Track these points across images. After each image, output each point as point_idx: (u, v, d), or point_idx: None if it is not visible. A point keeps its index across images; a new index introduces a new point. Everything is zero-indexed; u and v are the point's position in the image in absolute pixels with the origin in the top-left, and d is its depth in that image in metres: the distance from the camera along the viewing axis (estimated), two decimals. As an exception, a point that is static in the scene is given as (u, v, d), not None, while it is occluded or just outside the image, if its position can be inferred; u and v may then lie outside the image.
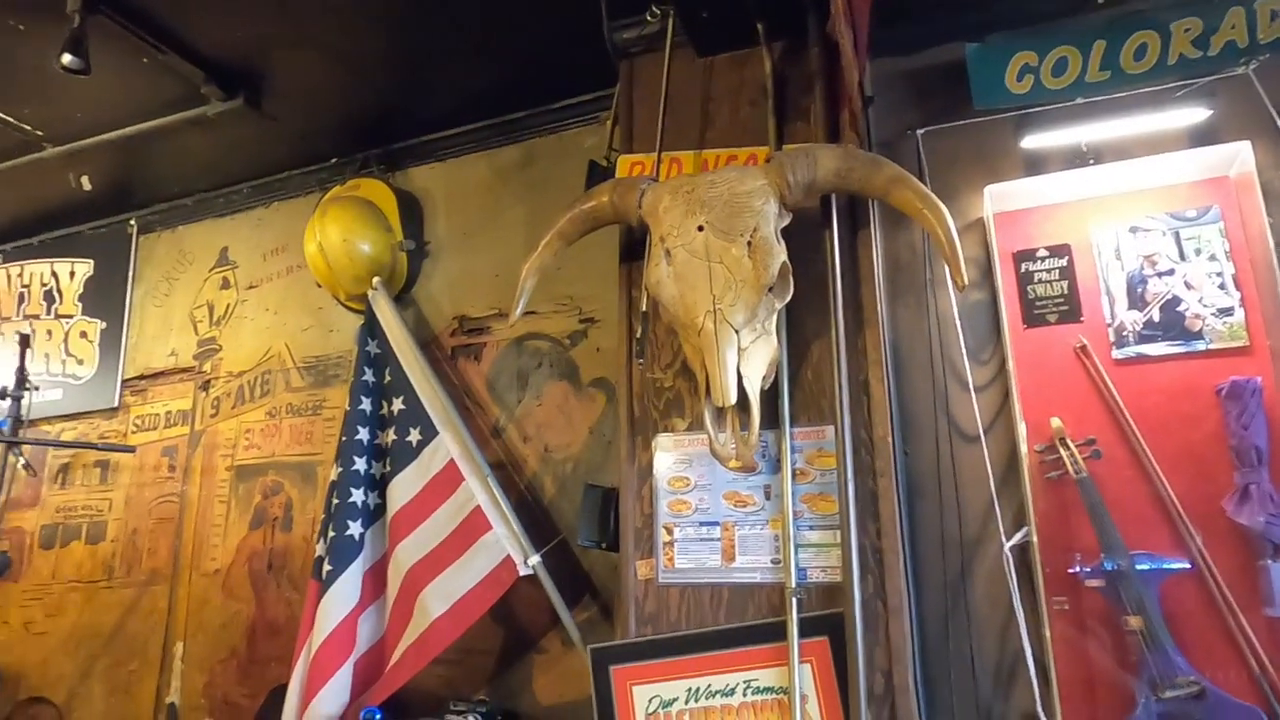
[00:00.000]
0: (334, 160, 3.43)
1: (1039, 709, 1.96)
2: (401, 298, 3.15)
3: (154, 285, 3.82)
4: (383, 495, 2.75)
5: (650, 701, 1.89)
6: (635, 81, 2.41)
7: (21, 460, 3.36)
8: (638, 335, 2.09)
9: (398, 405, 2.78)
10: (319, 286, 3.23)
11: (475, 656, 2.70)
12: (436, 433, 2.68)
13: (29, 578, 3.68)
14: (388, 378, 2.85)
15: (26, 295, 4.07)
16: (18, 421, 3.25)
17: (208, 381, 3.55)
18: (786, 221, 1.92)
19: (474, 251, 3.15)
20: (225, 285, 3.65)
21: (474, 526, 2.53)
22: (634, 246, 2.24)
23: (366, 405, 2.85)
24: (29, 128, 3.15)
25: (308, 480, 3.20)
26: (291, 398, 3.34)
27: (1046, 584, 2.03)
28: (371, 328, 2.94)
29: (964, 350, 2.25)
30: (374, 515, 2.76)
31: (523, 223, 3.08)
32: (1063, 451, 2.09)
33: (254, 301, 3.55)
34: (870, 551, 1.85)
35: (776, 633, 1.84)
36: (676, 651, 1.91)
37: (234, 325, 3.57)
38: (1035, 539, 2.05)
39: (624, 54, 2.42)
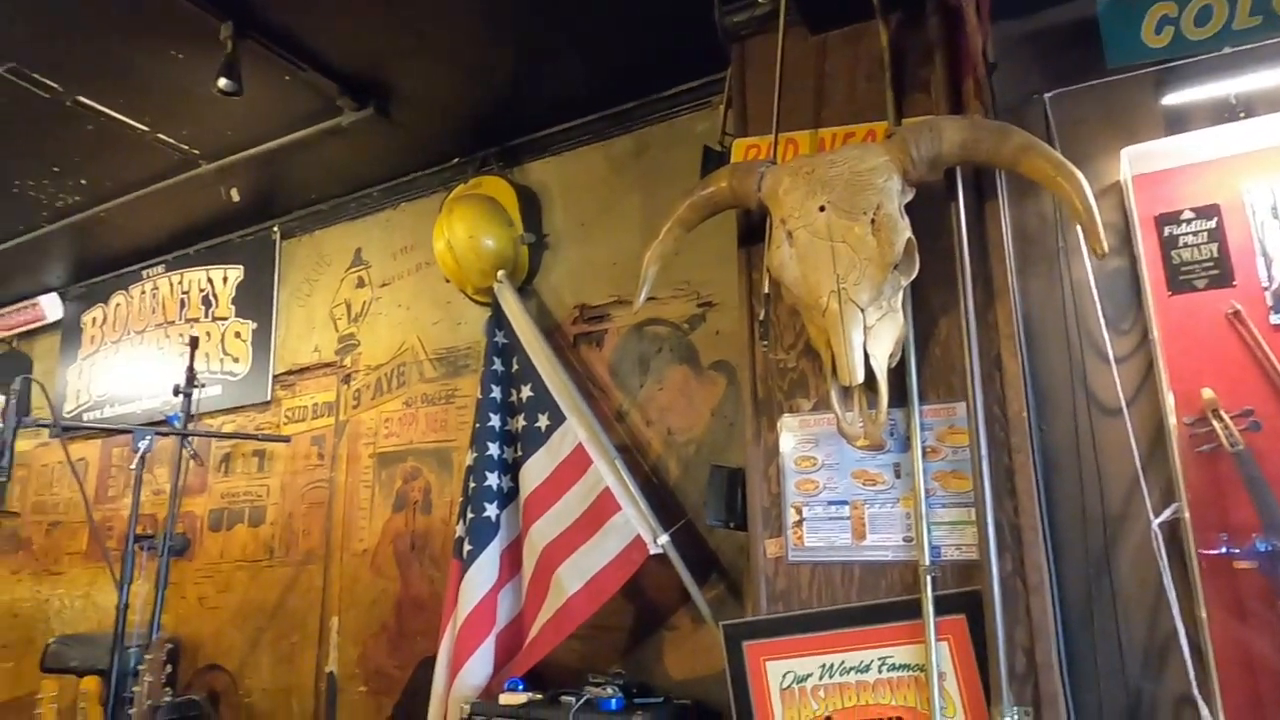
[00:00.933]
0: (456, 160, 3.58)
1: (1195, 692, 1.88)
2: (524, 289, 3.27)
3: (297, 287, 4.11)
4: (515, 478, 2.89)
5: (784, 677, 1.92)
6: (747, 64, 2.39)
7: (191, 451, 3.70)
8: (760, 318, 2.11)
9: (526, 392, 2.90)
10: (447, 282, 3.39)
11: (609, 632, 2.80)
12: (564, 418, 2.78)
13: (201, 557, 4.06)
14: (515, 366, 2.98)
15: (187, 301, 4.45)
16: (188, 416, 3.57)
17: (349, 375, 3.80)
18: (910, 197, 1.89)
19: (591, 241, 3.23)
20: (360, 284, 3.88)
21: (603, 508, 2.62)
22: (751, 230, 2.25)
23: (497, 393, 2.99)
24: (187, 147, 3.45)
25: (444, 465, 3.39)
26: (426, 388, 3.53)
27: (1199, 563, 1.94)
28: (498, 319, 3.07)
29: (1102, 320, 2.16)
30: (508, 498, 2.90)
31: (637, 211, 3.14)
32: (1215, 424, 1.98)
33: (387, 298, 3.77)
34: (1008, 528, 1.81)
35: (911, 610, 1.83)
36: (809, 628, 1.93)
37: (370, 321, 3.80)
38: (1187, 515, 1.96)
39: (735, 37, 2.41)
